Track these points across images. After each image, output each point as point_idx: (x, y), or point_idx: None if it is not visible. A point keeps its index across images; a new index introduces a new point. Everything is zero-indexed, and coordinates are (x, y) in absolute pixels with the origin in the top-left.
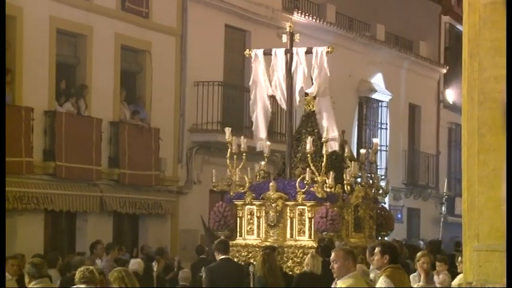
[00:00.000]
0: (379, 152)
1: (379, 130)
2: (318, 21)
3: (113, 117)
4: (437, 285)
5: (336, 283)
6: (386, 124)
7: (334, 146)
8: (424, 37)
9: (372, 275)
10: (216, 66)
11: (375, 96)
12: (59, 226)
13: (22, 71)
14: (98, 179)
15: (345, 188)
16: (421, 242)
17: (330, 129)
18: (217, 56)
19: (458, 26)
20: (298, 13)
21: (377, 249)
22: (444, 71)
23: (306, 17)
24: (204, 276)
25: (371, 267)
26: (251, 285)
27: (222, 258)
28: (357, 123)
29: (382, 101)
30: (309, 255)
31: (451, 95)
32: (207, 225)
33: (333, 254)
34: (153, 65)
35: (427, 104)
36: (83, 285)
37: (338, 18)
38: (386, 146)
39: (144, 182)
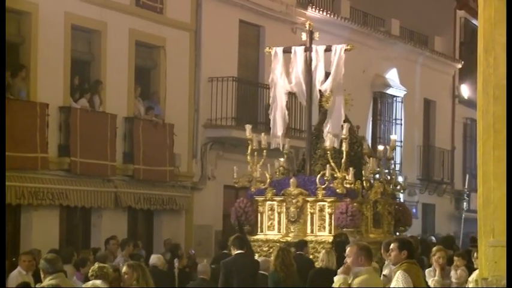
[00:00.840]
0: None
1: (393, 125)
2: (332, 16)
3: (128, 113)
4: (454, 280)
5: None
6: (401, 119)
7: (335, 142)
8: (439, 32)
9: (386, 271)
10: (230, 61)
11: (389, 91)
12: (73, 222)
13: (37, 67)
14: (112, 174)
15: (364, 184)
16: (433, 238)
17: (331, 125)
18: (232, 51)
19: (474, 21)
20: (312, 8)
21: (394, 245)
22: (459, 66)
23: (320, 12)
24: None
25: (386, 262)
26: None
27: (238, 253)
28: (371, 118)
29: (397, 96)
30: (323, 251)
31: (466, 90)
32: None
33: (347, 249)
34: (167, 61)
35: (442, 99)
36: (98, 281)
37: (352, 14)
38: (401, 141)
39: (159, 178)
